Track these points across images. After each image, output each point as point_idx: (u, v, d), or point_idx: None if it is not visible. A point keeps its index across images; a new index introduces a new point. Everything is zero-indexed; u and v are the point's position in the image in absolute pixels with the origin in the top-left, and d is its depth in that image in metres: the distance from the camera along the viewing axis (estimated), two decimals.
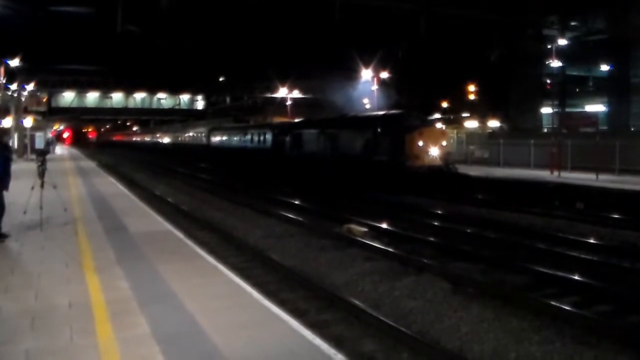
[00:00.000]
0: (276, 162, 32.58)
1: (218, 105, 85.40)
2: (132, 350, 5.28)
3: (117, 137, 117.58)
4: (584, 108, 58.42)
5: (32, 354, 5.22)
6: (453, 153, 25.64)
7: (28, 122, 46.84)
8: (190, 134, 58.90)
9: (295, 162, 30.42)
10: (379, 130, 23.90)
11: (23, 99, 50.57)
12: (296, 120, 34.21)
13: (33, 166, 11.40)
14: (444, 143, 23.27)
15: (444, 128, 25.06)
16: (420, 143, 22.31)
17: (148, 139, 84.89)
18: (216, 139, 47.07)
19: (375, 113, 27.61)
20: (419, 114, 26.02)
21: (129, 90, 77.67)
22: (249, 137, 38.28)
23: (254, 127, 41.91)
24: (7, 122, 43.71)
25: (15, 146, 43.47)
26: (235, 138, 41.93)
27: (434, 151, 22.44)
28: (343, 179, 25.03)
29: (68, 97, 76.66)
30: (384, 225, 14.73)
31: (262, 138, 35.90)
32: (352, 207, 18.51)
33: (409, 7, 35.31)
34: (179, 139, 63.58)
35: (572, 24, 46.32)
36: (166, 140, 71.26)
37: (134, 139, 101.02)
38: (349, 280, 9.94)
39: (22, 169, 25.34)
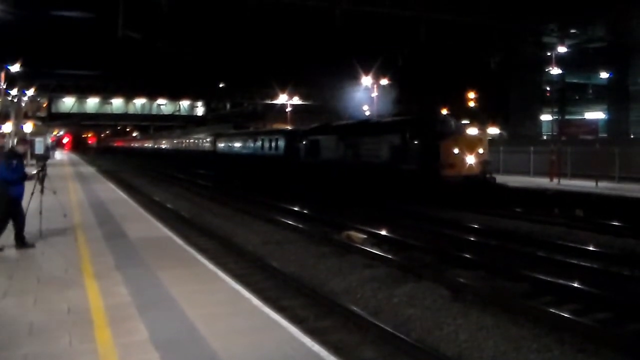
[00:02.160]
0: (289, 170, 30.90)
1: (218, 112, 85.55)
2: (131, 356, 5.27)
3: (117, 143, 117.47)
4: (583, 115, 58.60)
5: (30, 359, 5.21)
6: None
7: (28, 127, 46.88)
8: (195, 140, 57.60)
9: (310, 170, 28.45)
10: (408, 136, 21.92)
11: (23, 104, 50.66)
12: (312, 125, 32.38)
13: (33, 171, 11.37)
14: (481, 150, 21.25)
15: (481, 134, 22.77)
16: (456, 150, 20.45)
17: (149, 145, 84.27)
18: (223, 145, 45.70)
19: (404, 117, 25.44)
20: (452, 118, 23.91)
21: (129, 96, 77.83)
22: (259, 143, 36.72)
23: (265, 132, 40.40)
24: (7, 127, 43.74)
25: None
26: (244, 144, 40.55)
27: (471, 159, 20.58)
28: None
29: (68, 102, 76.80)
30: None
31: (273, 144, 34.26)
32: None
33: (409, 14, 35.42)
34: (182, 145, 62.32)
35: (572, 31, 46.46)
36: (168, 146, 70.24)
37: (134, 145, 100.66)
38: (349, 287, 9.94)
39: None
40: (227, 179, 35.35)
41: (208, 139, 50.64)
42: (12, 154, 10.57)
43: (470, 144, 20.95)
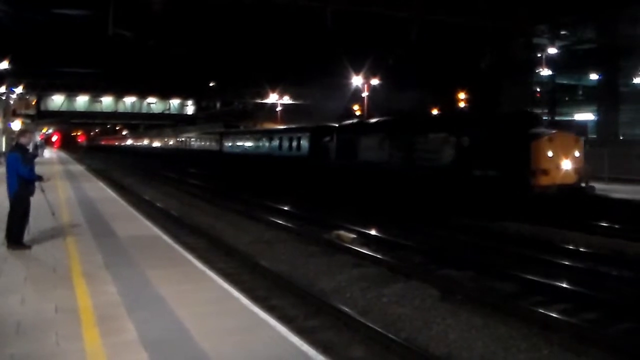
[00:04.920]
0: (315, 173, 26.47)
1: (208, 111, 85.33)
2: (120, 356, 5.24)
3: (109, 142, 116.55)
4: (573, 117, 58.83)
5: (17, 359, 5.17)
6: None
7: (16, 125, 46.56)
8: (196, 138, 53.55)
9: (345, 175, 23.82)
10: (485, 134, 17.74)
11: (12, 102, 50.33)
12: (348, 121, 28.40)
13: None
14: (578, 154, 17.22)
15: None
16: (550, 153, 16.40)
17: (141, 144, 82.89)
18: (231, 144, 41.18)
19: (478, 112, 19.68)
20: (541, 115, 18.72)
21: (119, 94, 77.42)
22: (276, 142, 32.43)
23: (285, 130, 34.97)
24: None
25: (3, 149, 43.24)
26: (256, 144, 36.21)
27: (567, 164, 16.71)
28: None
29: (57, 100, 76.30)
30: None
31: (294, 144, 29.90)
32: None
33: (401, 15, 35.48)
34: (181, 144, 58.79)
35: (562, 32, 46.66)
36: (163, 145, 68.17)
37: (125, 143, 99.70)
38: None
39: None
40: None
41: (213, 138, 46.50)
42: (25, 148, 10.36)
43: (567, 145, 17.07)
